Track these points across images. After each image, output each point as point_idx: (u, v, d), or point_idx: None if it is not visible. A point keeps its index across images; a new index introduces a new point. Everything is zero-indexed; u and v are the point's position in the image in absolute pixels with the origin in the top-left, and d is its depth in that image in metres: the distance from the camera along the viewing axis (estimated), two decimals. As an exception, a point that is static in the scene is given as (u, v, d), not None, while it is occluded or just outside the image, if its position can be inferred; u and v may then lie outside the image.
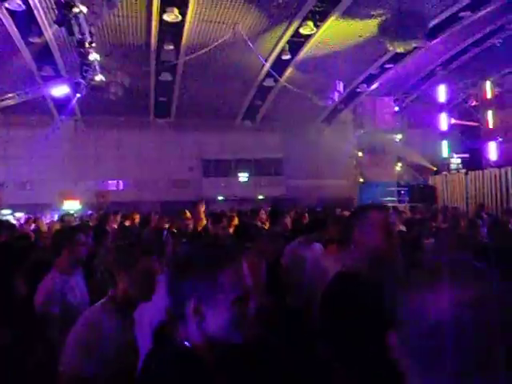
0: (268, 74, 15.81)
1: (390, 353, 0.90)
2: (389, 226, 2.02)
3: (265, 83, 16.72)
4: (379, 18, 12.51)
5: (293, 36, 13.58)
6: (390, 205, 15.73)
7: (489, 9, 12.31)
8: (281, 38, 13.77)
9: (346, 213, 9.15)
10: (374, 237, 1.97)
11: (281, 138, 21.26)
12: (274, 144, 21.39)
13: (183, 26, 12.47)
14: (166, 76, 15.35)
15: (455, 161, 17.18)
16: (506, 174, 13.67)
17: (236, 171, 21.50)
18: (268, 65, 15.00)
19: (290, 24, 12.95)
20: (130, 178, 20.28)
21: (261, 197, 21.27)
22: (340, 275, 2.06)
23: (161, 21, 12.00)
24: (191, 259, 1.33)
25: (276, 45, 14.18)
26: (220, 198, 20.79)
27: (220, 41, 13.32)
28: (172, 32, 12.85)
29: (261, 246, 3.73)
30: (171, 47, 13.41)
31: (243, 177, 21.52)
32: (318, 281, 3.42)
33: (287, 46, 14.15)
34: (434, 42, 13.86)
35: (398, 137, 20.14)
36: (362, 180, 20.60)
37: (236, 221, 7.05)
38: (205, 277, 1.27)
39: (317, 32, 13.26)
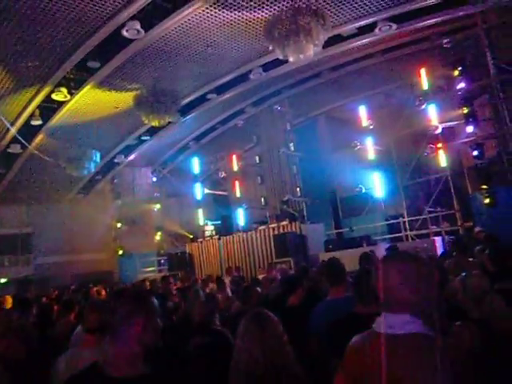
0: (14, 140, 14.31)
1: None
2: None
3: (10, 149, 15.02)
4: (135, 92, 12.98)
5: (44, 101, 12.81)
6: (150, 275, 15.88)
7: (232, 93, 14.29)
8: (30, 101, 12.78)
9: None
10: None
11: (29, 210, 19.16)
12: (21, 217, 19.08)
13: None
14: None
15: (209, 227, 18.39)
16: (251, 236, 15.39)
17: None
18: (14, 130, 13.62)
19: (41, 88, 12.20)
20: None
21: (3, 280, 18.38)
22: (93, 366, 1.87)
23: None
24: None
25: (25, 108, 13.07)
26: None
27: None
28: None
29: None
30: None
31: (-20, 257, 18.26)
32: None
33: (38, 111, 13.23)
34: (187, 118, 15.16)
35: (157, 206, 20.64)
36: (121, 252, 20.07)
37: None
38: None
39: (71, 99, 12.87)
